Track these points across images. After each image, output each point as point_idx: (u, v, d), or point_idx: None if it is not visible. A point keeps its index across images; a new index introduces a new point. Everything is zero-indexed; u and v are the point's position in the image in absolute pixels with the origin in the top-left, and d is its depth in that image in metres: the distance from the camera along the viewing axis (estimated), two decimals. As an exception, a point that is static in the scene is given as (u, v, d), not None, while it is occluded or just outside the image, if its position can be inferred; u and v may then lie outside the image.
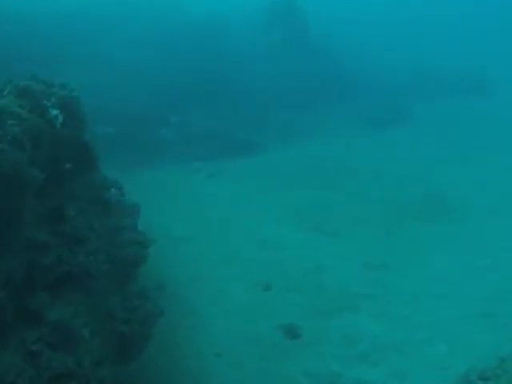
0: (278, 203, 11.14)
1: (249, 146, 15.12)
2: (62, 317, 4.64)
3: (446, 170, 13.22)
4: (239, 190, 12.00)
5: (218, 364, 6.49)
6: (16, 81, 5.35)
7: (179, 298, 7.78)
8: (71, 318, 4.70)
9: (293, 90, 17.92)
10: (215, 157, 14.43)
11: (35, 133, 4.97)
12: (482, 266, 8.51)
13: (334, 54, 20.32)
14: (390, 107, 18.76)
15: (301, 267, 8.55)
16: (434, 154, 14.47)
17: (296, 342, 6.91)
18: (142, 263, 6.31)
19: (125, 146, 13.99)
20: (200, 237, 9.61)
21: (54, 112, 5.32)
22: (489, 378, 4.79)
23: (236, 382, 6.22)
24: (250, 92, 17.22)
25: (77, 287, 5.06)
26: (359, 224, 10.19)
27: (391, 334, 6.92)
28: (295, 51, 19.14)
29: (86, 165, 6.18)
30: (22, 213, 4.73)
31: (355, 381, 6.17)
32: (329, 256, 8.88)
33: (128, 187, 11.81)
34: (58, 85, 5.74)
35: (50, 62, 14.75)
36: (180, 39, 17.33)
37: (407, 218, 10.48)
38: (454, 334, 6.86)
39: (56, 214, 5.28)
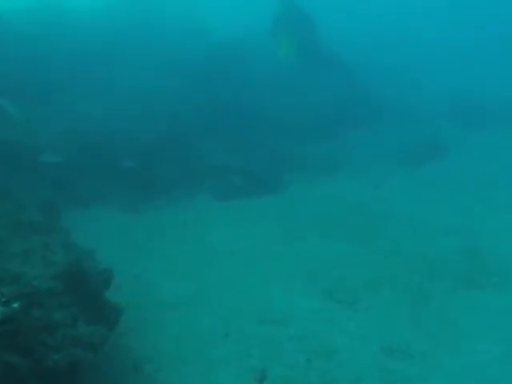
0: (290, 258, 9.71)
1: (264, 184, 13.75)
2: None
3: (487, 218, 11.58)
4: (248, 239, 10.62)
5: None
6: None
7: (156, 385, 6.46)
8: None
9: (312, 119, 16.56)
10: (225, 195, 13.13)
11: None
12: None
13: (353, 72, 18.57)
14: (424, 140, 17.08)
15: (306, 349, 7.08)
16: (473, 198, 12.81)
17: None
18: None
19: (132, 181, 12.87)
20: (192, 301, 8.24)
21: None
22: None
23: None
24: (266, 121, 15.90)
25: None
26: (381, 289, 8.67)
27: None
28: (308, 66, 17.42)
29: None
30: None
31: None
32: (341, 335, 7.39)
33: (126, 230, 10.69)
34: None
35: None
36: (189, 66, 16.17)
37: (440, 283, 8.90)
38: None
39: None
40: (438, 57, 23.86)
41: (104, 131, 13.01)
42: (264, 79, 17.52)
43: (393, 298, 8.37)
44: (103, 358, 6.29)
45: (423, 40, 24.98)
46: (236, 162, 14.21)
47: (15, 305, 4.53)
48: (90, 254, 6.81)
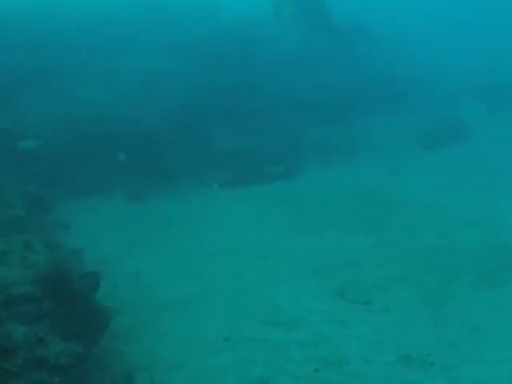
0: (300, 253, 9.06)
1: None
2: None
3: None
4: (256, 231, 9.99)
5: None
6: None
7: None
8: None
9: (328, 98, 15.74)
10: (237, 181, 12.47)
11: None
12: None
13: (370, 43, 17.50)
14: (445, 122, 16.20)
15: (314, 357, 6.44)
16: (496, 185, 11.99)
17: None
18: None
19: (137, 169, 12.28)
20: (193, 302, 7.64)
21: None
22: None
23: None
24: (280, 102, 15.14)
25: None
26: (398, 286, 7.97)
27: None
28: (319, 38, 16.32)
29: None
30: None
31: None
32: (353, 340, 6.73)
33: (129, 221, 10.10)
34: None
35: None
36: (204, 46, 15.40)
37: (461, 280, 8.17)
38: None
39: None
40: (461, 37, 22.70)
41: (109, 117, 12.42)
42: (278, 58, 16.77)
43: (410, 297, 7.67)
44: (90, 365, 5.75)
45: (447, 21, 23.80)
46: (248, 147, 13.54)
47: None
48: (76, 254, 6.20)
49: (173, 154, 12.78)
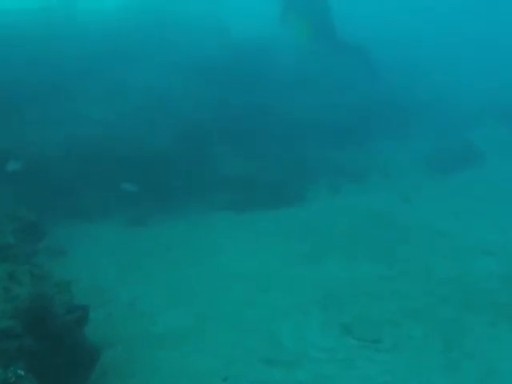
0: (306, 283, 8.59)
1: (284, 193, 12.65)
2: None
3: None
4: (261, 259, 9.54)
5: None
6: None
7: None
8: None
9: (338, 119, 15.38)
10: (242, 205, 12.06)
11: None
12: None
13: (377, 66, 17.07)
14: (459, 145, 15.77)
15: (318, 402, 5.97)
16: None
17: None
18: None
19: (139, 190, 11.89)
20: (191, 335, 7.19)
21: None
22: None
23: None
24: (289, 123, 14.78)
25: None
26: (410, 322, 7.50)
27: None
28: (327, 55, 15.96)
29: None
30: None
31: None
32: (360, 382, 6.25)
33: (128, 246, 9.71)
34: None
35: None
36: (213, 66, 15.15)
37: (476, 315, 7.69)
38: None
39: None
40: (474, 54, 22.22)
41: (112, 136, 12.11)
42: (284, 77, 16.47)
43: (422, 334, 7.19)
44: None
45: (458, 36, 23.33)
46: (254, 170, 13.14)
47: None
48: (66, 285, 5.81)
49: (177, 176, 12.40)
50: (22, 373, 4.16)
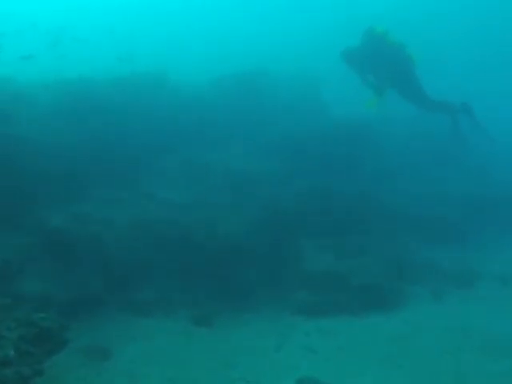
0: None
1: (374, 297, 10.70)
2: None
3: None
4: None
5: None
6: None
7: None
8: None
9: (445, 211, 13.40)
10: (323, 309, 10.26)
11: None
12: None
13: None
14: None
15: None
16: None
17: None
18: None
19: (209, 282, 10.56)
20: None
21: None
22: None
23: None
24: (388, 215, 12.99)
25: None
26: None
27: None
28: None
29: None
30: None
31: None
32: None
33: (188, 351, 8.27)
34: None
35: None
36: (305, 146, 13.86)
37: None
38: None
39: None
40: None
41: (182, 221, 10.94)
42: (386, 162, 14.92)
43: None
44: None
45: None
46: (343, 268, 11.31)
47: None
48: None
49: (254, 269, 10.91)
50: None
